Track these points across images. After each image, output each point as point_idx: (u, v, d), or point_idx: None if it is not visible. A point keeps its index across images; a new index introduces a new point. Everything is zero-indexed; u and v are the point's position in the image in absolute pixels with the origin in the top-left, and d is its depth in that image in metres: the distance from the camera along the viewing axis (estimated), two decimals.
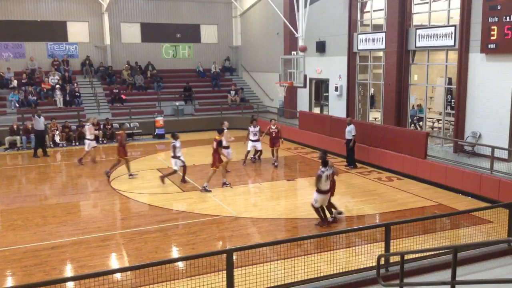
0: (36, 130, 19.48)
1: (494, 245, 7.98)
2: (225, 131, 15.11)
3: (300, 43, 19.67)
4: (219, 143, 13.72)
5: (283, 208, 12.50)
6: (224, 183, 14.30)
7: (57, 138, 21.12)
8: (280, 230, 10.98)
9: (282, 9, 23.83)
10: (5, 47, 26.18)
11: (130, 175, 15.56)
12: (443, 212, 11.41)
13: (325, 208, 11.00)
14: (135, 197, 13.45)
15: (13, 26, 26.13)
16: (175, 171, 14.56)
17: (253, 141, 17.12)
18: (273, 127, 17.21)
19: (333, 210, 11.23)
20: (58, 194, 14.10)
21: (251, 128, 17.07)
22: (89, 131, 17.69)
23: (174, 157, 14.53)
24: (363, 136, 16.81)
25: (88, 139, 17.67)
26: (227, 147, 15.65)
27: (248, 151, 17.28)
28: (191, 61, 30.29)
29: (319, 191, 10.57)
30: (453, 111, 17.05)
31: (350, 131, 16.25)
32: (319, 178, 10.47)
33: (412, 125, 19.31)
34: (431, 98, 21.09)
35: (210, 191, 13.68)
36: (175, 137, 14.61)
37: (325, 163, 10.66)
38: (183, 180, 14.78)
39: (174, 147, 14.48)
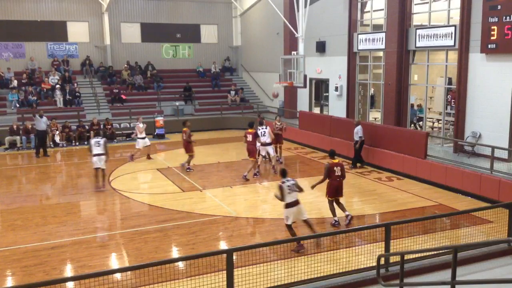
0: (37, 130, 19.50)
1: (494, 245, 7.99)
2: (268, 129, 15.82)
3: (300, 43, 19.68)
4: (256, 134, 14.77)
5: (283, 208, 12.46)
6: (244, 176, 15.01)
7: (57, 138, 21.12)
8: (280, 230, 10.96)
9: (282, 9, 23.83)
10: (5, 47, 26.18)
11: (188, 168, 16.20)
12: (443, 212, 11.41)
13: (310, 224, 9.94)
14: (135, 197, 13.45)
15: (13, 26, 26.12)
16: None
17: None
18: (278, 124, 17.41)
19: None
20: (58, 194, 14.11)
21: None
22: (139, 130, 18.09)
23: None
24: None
25: (140, 138, 18.01)
26: (269, 144, 15.89)
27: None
28: (191, 61, 30.30)
29: (286, 205, 9.59)
30: (453, 111, 17.05)
31: (356, 132, 16.10)
32: (280, 189, 9.52)
33: (412, 125, 19.31)
34: (431, 98, 21.10)
35: (248, 179, 14.95)
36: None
37: (283, 173, 9.77)
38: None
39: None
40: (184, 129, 16.05)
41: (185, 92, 27.28)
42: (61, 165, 18.58)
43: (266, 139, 15.66)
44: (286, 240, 9.08)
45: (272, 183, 15.10)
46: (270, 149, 16.00)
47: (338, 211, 10.99)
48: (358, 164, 16.65)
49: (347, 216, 10.93)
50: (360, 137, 16.12)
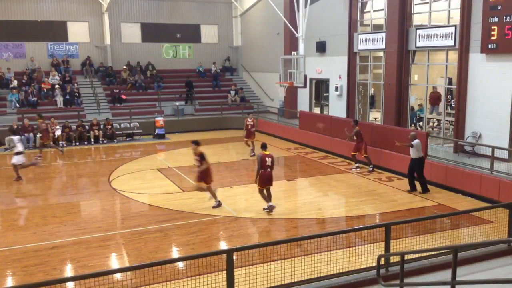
0: None
1: (494, 245, 7.99)
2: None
3: (301, 43, 19.69)
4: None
5: (283, 208, 12.47)
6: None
7: (58, 132, 21.04)
8: (280, 230, 10.98)
9: (282, 9, 23.83)
10: (5, 47, 26.17)
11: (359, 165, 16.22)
12: (443, 212, 11.40)
13: None
14: (135, 197, 13.45)
15: (13, 26, 26.12)
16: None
17: None
18: (250, 121, 18.45)
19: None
20: (58, 194, 14.11)
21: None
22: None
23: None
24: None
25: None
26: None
27: None
28: (191, 61, 30.29)
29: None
30: (453, 111, 17.04)
31: (417, 147, 13.19)
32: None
33: (412, 125, 19.30)
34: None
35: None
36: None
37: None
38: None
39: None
40: (357, 128, 15.91)
41: (186, 88, 27.26)
42: (61, 165, 18.58)
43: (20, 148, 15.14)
44: (286, 240, 9.07)
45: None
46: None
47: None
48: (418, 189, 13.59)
49: (269, 206, 11.77)
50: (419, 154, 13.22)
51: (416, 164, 13.30)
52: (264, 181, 11.64)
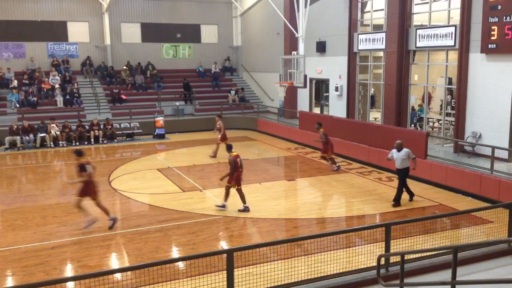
0: None
1: (494, 245, 7.99)
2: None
3: (301, 43, 19.68)
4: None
5: (283, 208, 12.49)
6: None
7: (54, 130, 21.01)
8: (280, 230, 10.98)
9: (282, 9, 23.83)
10: (5, 47, 26.18)
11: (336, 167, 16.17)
12: (443, 212, 11.40)
13: None
14: (135, 197, 13.44)
15: (13, 26, 26.13)
16: None
17: None
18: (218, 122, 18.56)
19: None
20: (58, 194, 14.10)
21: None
22: None
23: None
24: (363, 136, 16.82)
25: None
26: None
27: None
28: (191, 61, 30.29)
29: None
30: (453, 111, 17.05)
31: (404, 157, 12.05)
32: None
33: (412, 125, 19.30)
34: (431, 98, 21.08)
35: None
36: None
37: None
38: None
39: None
40: (321, 130, 16.19)
41: (184, 90, 27.27)
42: (61, 165, 18.58)
43: None
44: (286, 240, 9.06)
45: (272, 183, 15.07)
46: None
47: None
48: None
49: (245, 207, 11.90)
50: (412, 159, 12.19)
51: (405, 174, 12.25)
52: (239, 180, 11.89)
